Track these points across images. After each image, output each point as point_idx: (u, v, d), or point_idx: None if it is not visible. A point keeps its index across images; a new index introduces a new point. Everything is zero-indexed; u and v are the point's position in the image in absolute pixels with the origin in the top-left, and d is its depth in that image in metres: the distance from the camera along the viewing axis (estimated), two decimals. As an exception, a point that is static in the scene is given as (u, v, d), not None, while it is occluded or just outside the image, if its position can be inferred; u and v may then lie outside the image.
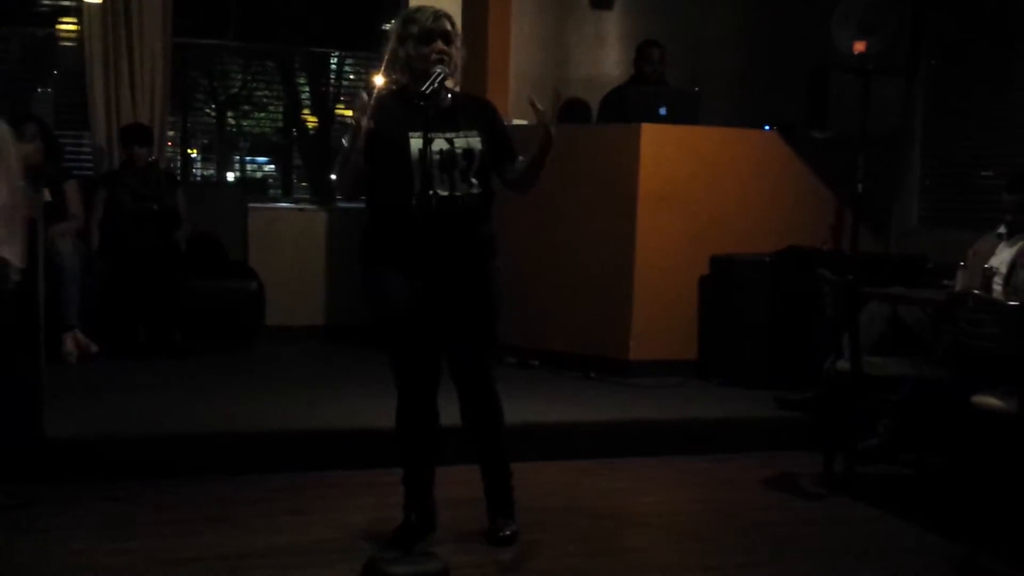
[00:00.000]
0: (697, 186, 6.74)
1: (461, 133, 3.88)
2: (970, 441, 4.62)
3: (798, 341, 6.20)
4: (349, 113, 8.26)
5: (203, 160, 8.72)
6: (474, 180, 3.89)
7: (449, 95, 3.90)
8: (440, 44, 3.84)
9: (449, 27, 3.88)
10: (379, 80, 4.04)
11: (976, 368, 4.56)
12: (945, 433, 4.94)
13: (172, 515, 4.32)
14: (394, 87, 3.93)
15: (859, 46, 6.62)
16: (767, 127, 7.26)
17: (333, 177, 3.83)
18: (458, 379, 4.04)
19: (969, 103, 7.33)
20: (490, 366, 4.07)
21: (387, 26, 3.93)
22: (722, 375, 6.55)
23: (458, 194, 3.85)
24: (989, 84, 7.18)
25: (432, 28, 3.84)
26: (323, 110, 8.79)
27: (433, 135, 3.75)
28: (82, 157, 7.71)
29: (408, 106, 3.86)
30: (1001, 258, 5.20)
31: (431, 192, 3.77)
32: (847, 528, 4.53)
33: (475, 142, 3.89)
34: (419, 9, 3.92)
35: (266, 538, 4.08)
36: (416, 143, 3.78)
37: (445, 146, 3.83)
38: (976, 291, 4.64)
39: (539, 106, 3.77)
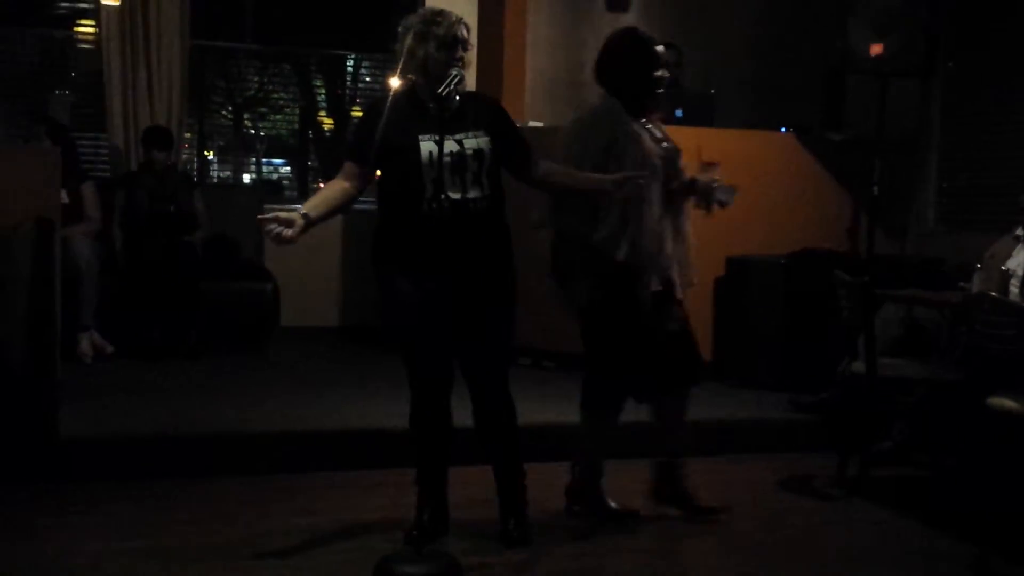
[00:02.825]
0: (712, 188, 6.71)
1: (470, 134, 3.87)
2: (985, 443, 4.59)
3: (813, 343, 6.18)
4: (364, 116, 8.27)
5: (219, 162, 8.75)
6: (485, 182, 3.88)
7: (457, 96, 3.88)
8: (460, 51, 3.86)
9: (467, 34, 3.90)
10: (395, 82, 4.05)
11: (992, 370, 4.53)
12: (960, 435, 4.92)
13: (184, 515, 4.33)
14: (407, 87, 3.94)
15: (875, 48, 6.59)
16: (783, 129, 7.24)
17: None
18: (472, 381, 4.03)
19: (986, 105, 7.30)
20: (505, 368, 4.06)
21: (403, 23, 3.90)
22: (736, 376, 6.52)
23: (470, 197, 3.84)
24: (1006, 86, 7.15)
25: (455, 35, 3.84)
26: (339, 112, 8.82)
27: (444, 136, 3.74)
28: (99, 159, 7.75)
29: (418, 108, 3.86)
30: (1018, 260, 5.16)
31: (443, 196, 3.78)
32: (861, 530, 4.51)
33: (484, 142, 3.88)
34: (441, 12, 3.90)
35: (278, 538, 4.08)
36: (426, 146, 3.78)
37: (456, 148, 3.81)
38: (993, 293, 4.62)
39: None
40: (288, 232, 3.64)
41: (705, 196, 4.33)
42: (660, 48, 4.30)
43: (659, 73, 4.28)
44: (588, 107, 4.34)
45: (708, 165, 4.36)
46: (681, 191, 4.32)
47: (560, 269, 4.30)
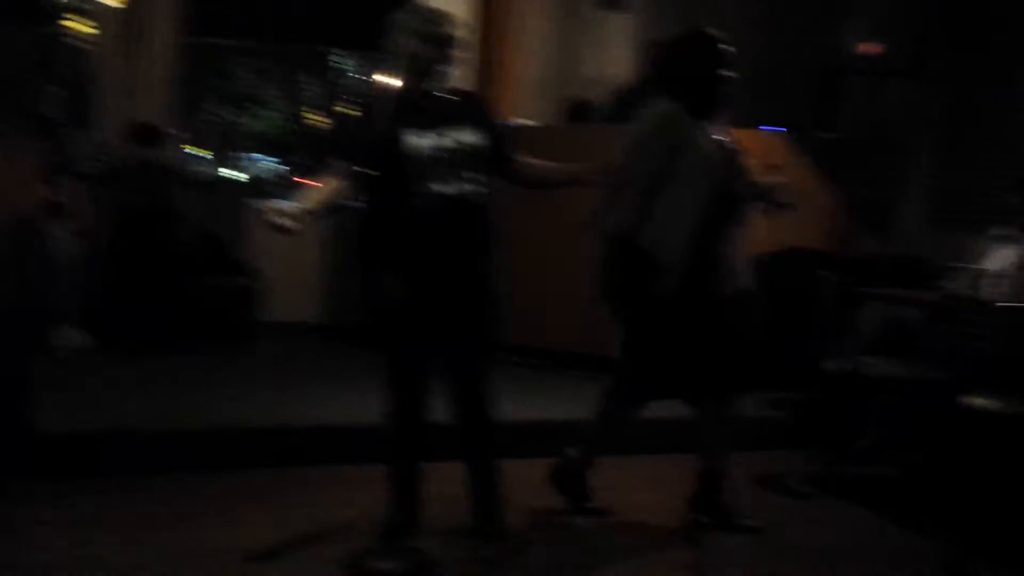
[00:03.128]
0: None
1: (460, 128, 3.86)
2: (960, 441, 4.60)
3: (796, 341, 6.17)
4: (351, 112, 8.28)
5: (207, 158, 8.76)
6: (475, 176, 3.89)
7: (442, 93, 3.87)
8: (453, 50, 3.86)
9: (460, 34, 3.90)
10: (382, 78, 4.05)
11: (968, 369, 4.54)
12: (936, 433, 4.93)
13: (160, 509, 4.34)
14: (393, 84, 3.94)
15: (868, 48, 6.61)
16: (773, 128, 7.22)
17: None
18: (455, 378, 4.01)
19: (976, 105, 7.29)
20: (488, 367, 4.05)
21: (397, 19, 3.88)
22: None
23: (461, 192, 3.84)
24: (997, 86, 7.15)
25: (451, 34, 3.85)
26: (327, 109, 8.83)
27: (432, 132, 3.76)
28: (88, 154, 7.75)
29: (408, 103, 3.85)
30: (997, 260, 5.17)
31: (435, 191, 3.78)
32: (837, 528, 4.52)
33: (473, 137, 3.88)
34: (436, 11, 3.90)
35: (254, 533, 4.10)
36: (418, 141, 3.77)
37: (447, 142, 3.81)
38: (970, 292, 4.62)
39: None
40: (290, 223, 3.63)
41: (766, 199, 4.23)
42: (726, 46, 4.18)
43: (725, 72, 4.17)
44: (650, 113, 4.20)
45: (772, 168, 4.26)
46: (742, 194, 4.22)
47: (608, 272, 4.25)
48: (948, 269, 5.27)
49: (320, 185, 3.89)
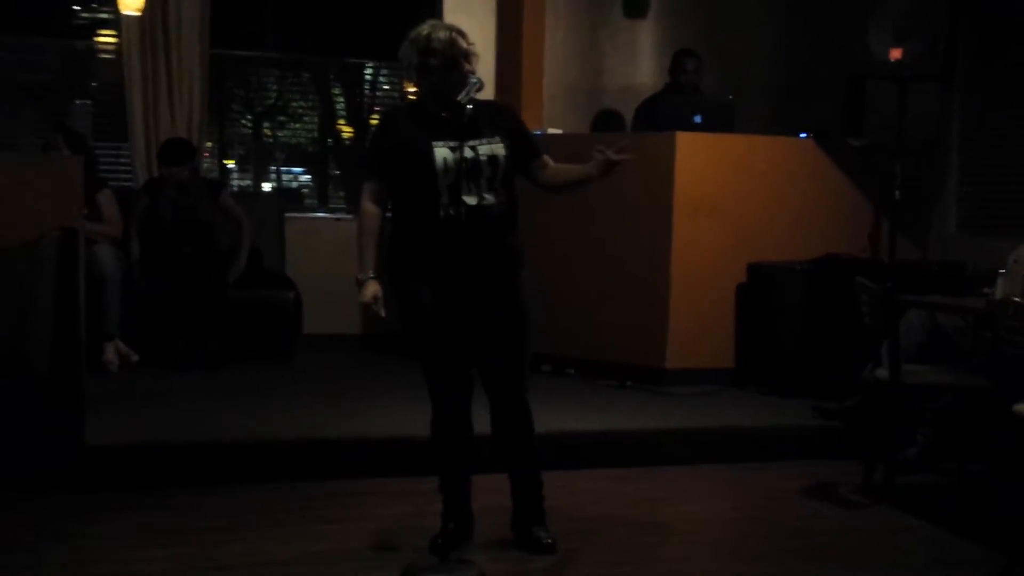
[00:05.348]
0: (733, 194, 6.72)
1: (484, 140, 3.87)
2: (1011, 450, 4.58)
3: (836, 349, 6.16)
4: (380, 127, 8.26)
5: (239, 170, 8.76)
6: (499, 188, 3.89)
7: (470, 104, 3.83)
8: (465, 64, 3.85)
9: (465, 44, 3.87)
10: (410, 91, 4.07)
11: (1016, 376, 4.51)
12: (985, 442, 4.91)
13: (210, 523, 4.35)
14: (417, 97, 3.95)
15: (895, 53, 6.58)
16: (803, 135, 7.23)
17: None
18: (490, 389, 4.03)
19: (1006, 109, 7.27)
20: (523, 376, 4.05)
21: (402, 54, 3.87)
22: (759, 384, 6.51)
23: (485, 204, 3.85)
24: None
25: (454, 56, 3.82)
26: (358, 120, 8.82)
27: (455, 144, 3.76)
28: (121, 168, 7.78)
29: (430, 116, 3.87)
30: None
31: (459, 202, 3.79)
32: (886, 538, 4.50)
33: (499, 148, 3.89)
34: (430, 38, 3.82)
35: (303, 546, 4.10)
36: (440, 152, 3.78)
37: (470, 154, 3.81)
38: (1016, 298, 4.60)
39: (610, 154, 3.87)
40: (377, 301, 3.86)
41: None
42: None
43: None
44: None
45: None
46: None
47: None
48: (994, 275, 5.25)
49: (367, 230, 3.92)
